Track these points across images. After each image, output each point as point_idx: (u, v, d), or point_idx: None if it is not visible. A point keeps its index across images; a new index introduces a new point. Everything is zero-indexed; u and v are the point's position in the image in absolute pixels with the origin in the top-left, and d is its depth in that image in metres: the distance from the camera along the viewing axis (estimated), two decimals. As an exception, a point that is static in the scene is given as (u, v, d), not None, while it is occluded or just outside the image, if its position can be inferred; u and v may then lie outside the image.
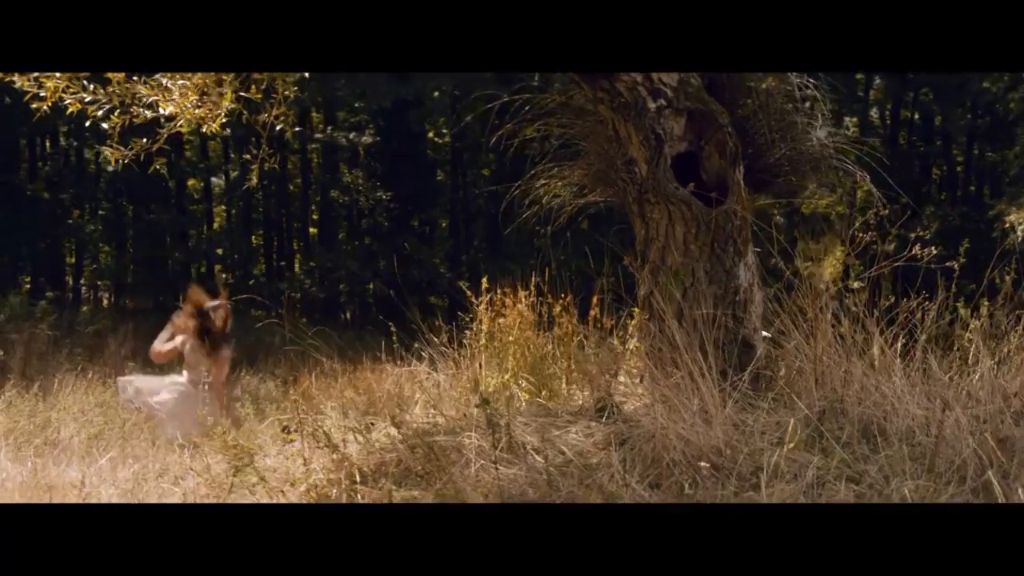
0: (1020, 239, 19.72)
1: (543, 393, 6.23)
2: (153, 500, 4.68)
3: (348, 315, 30.19)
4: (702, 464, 3.92)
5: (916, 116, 32.87)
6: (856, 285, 5.94)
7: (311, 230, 32.26)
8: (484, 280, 6.93)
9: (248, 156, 26.38)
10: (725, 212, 5.63)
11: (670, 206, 5.63)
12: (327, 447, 4.71)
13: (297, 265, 31.97)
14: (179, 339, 7.88)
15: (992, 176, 31.45)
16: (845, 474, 4.06)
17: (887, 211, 5.92)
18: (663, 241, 5.72)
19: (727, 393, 4.76)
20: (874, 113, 34.86)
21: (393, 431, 4.75)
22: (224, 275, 30.95)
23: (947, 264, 5.83)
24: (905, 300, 5.69)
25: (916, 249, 5.54)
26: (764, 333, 5.85)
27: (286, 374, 11.34)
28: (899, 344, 5.04)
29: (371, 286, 28.39)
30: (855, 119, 33.04)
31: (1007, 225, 20.74)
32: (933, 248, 5.80)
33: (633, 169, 5.73)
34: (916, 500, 3.77)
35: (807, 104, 6.01)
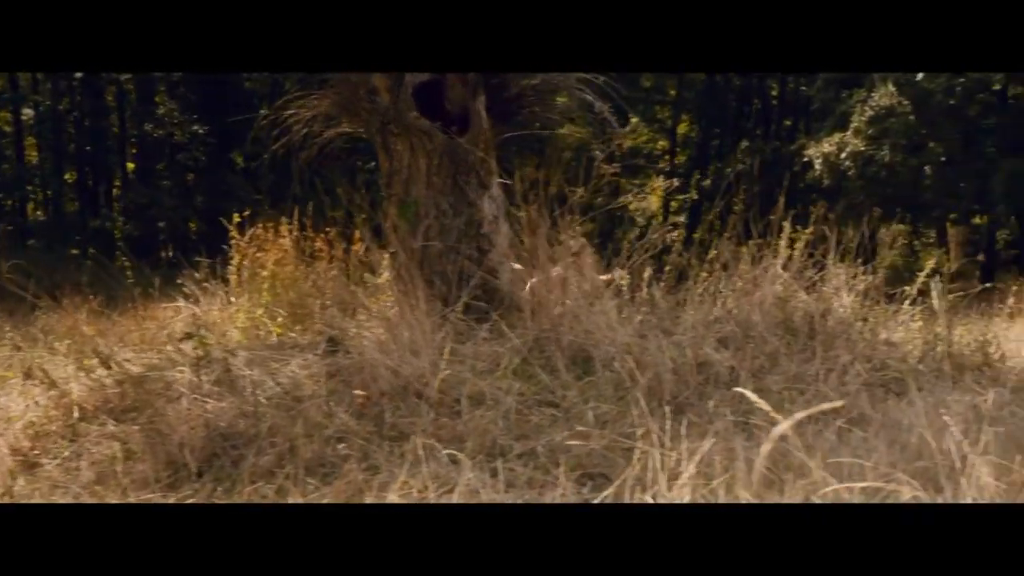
0: (818, 173, 20.49)
1: (297, 328, 6.18)
2: None
3: (169, 252, 29.39)
4: (357, 392, 3.95)
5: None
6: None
7: (128, 165, 31.12)
8: (236, 214, 6.80)
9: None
10: (468, 143, 5.63)
11: (412, 137, 5.60)
12: (45, 384, 4.60)
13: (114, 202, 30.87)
14: None
15: (806, 111, 32.42)
16: (547, 400, 4.15)
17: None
18: (407, 173, 5.69)
19: (450, 324, 4.79)
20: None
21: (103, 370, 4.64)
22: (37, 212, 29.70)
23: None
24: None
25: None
26: (515, 265, 5.88)
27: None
28: (622, 274, 5.15)
29: (193, 224, 27.68)
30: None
31: (805, 160, 21.44)
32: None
33: (376, 99, 5.67)
34: (609, 420, 3.88)
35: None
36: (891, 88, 20.30)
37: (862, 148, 20.46)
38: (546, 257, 5.16)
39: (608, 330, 4.54)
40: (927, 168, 21.25)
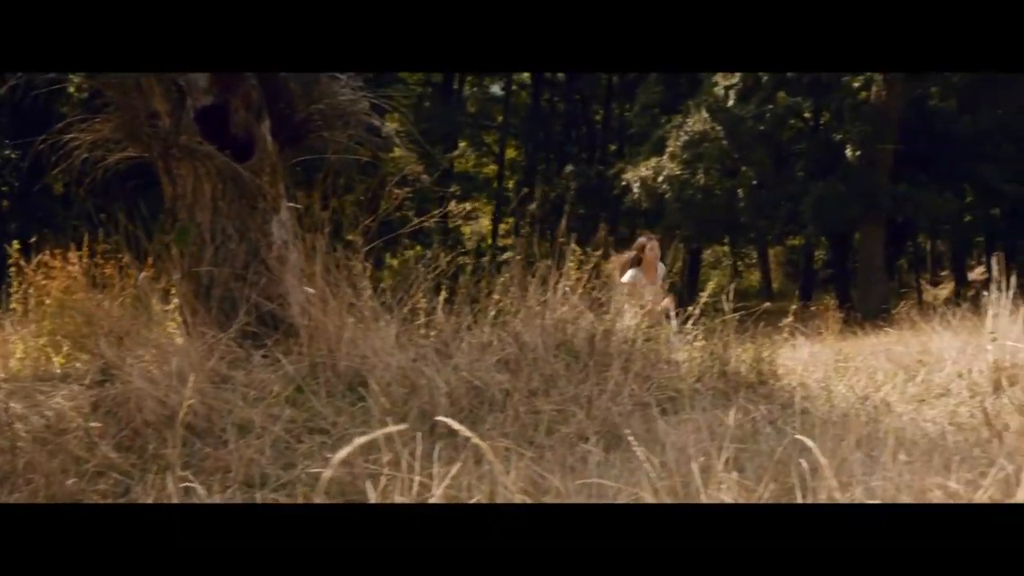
0: (637, 196, 20.98)
1: (85, 358, 5.97)
2: None
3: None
4: (92, 424, 3.85)
5: (558, 75, 34.14)
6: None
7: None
8: (15, 243, 6.55)
9: None
10: (252, 168, 5.55)
11: (195, 162, 5.49)
12: None
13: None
14: None
15: (627, 134, 33.17)
16: (318, 427, 4.11)
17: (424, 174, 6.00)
18: (191, 198, 5.58)
19: (226, 351, 4.70)
20: (526, 74, 35.89)
21: None
22: None
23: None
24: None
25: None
26: (309, 289, 5.81)
27: None
28: (400, 299, 5.15)
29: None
30: (502, 80, 33.97)
31: (623, 183, 21.92)
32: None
33: (157, 123, 5.55)
34: (378, 445, 3.85)
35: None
36: (704, 114, 20.95)
37: (678, 172, 21.05)
38: (324, 282, 5.12)
39: (385, 355, 4.53)
40: (740, 191, 21.99)
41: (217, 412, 4.08)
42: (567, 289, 5.65)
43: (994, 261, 6.27)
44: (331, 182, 5.68)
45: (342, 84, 5.86)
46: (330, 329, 4.77)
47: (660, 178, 21.16)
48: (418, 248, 6.09)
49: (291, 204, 5.87)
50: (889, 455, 3.36)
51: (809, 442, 2.83)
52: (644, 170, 21.17)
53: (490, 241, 32.88)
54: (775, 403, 4.89)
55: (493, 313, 5.45)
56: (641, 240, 8.80)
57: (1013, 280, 6.08)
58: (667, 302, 8.26)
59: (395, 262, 5.96)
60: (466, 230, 39.39)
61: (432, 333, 5.11)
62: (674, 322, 7.76)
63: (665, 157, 21.39)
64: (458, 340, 5.05)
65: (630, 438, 3.95)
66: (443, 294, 5.63)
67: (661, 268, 8.80)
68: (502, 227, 35.98)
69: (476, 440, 2.46)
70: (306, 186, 5.88)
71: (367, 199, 5.77)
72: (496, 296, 5.61)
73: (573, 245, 5.97)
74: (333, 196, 5.67)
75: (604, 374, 4.79)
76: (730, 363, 5.41)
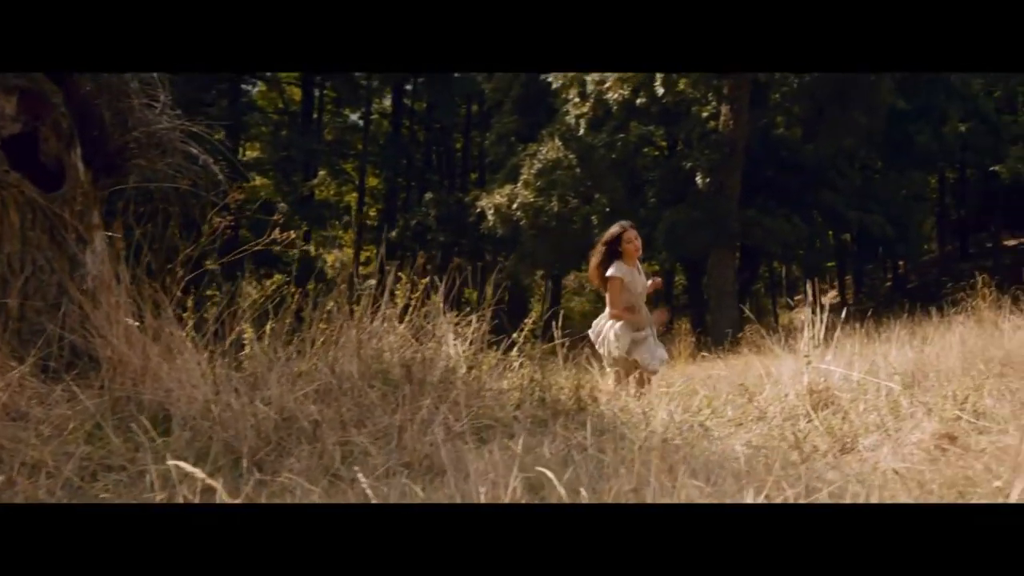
0: (491, 223, 21.09)
1: None
2: None
3: None
4: None
5: (415, 104, 34.21)
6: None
7: None
8: None
9: None
10: (63, 197, 5.39)
11: (3, 191, 5.30)
12: None
13: None
14: None
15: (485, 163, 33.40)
16: (116, 464, 3.99)
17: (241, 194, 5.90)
18: (-1, 228, 5.38)
19: (19, 385, 4.53)
20: (386, 102, 35.85)
21: None
22: None
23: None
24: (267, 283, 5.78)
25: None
26: (129, 320, 5.64)
27: None
28: (216, 330, 5.04)
29: None
30: (361, 108, 33.83)
31: (477, 210, 22.01)
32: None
33: (-39, 152, 5.34)
34: (181, 480, 3.75)
35: (152, 87, 5.90)
36: (558, 143, 21.18)
37: (531, 199, 21.21)
38: (132, 313, 4.99)
39: (191, 387, 4.42)
40: (595, 218, 22.27)
41: (7, 451, 3.91)
42: (393, 317, 5.61)
43: (808, 286, 6.44)
44: (149, 211, 5.56)
45: (157, 112, 5.74)
46: (135, 362, 4.64)
47: (514, 205, 21.30)
48: (278, 276, 5.97)
49: (108, 233, 5.72)
50: (687, 478, 3.41)
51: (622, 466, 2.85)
52: (498, 198, 21.28)
53: (351, 269, 32.35)
54: (594, 430, 4.91)
55: (314, 342, 5.37)
56: (614, 229, 7.71)
57: (827, 301, 6.26)
58: (659, 315, 8.02)
59: (251, 289, 5.82)
60: (330, 258, 39.10)
61: (245, 364, 5.01)
62: (654, 362, 7.55)
63: (519, 185, 21.54)
64: (272, 370, 4.97)
65: (450, 466, 3.95)
66: (270, 324, 5.54)
67: (639, 266, 7.88)
68: (363, 255, 35.84)
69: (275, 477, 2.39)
70: (124, 215, 5.72)
71: (187, 228, 5.65)
72: (321, 325, 5.54)
73: (399, 273, 5.94)
74: (151, 225, 5.54)
75: (421, 403, 4.76)
76: (550, 390, 5.42)
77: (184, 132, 5.84)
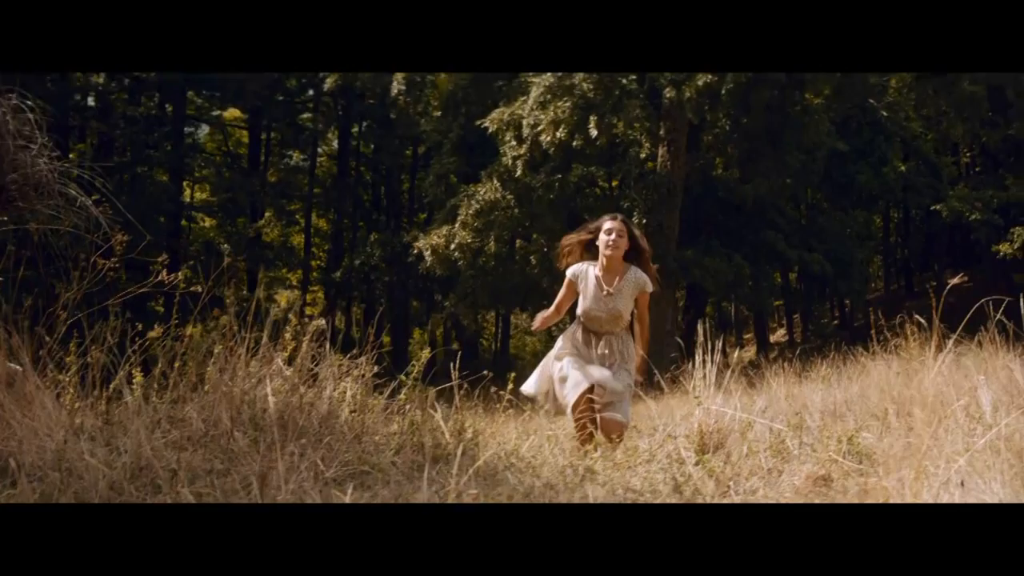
0: (429, 264, 21.06)
1: None
2: None
3: None
4: None
5: (361, 146, 34.23)
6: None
7: None
8: None
9: None
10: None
11: None
12: None
13: None
14: None
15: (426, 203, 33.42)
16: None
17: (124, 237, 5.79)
18: None
19: None
20: (333, 144, 35.84)
21: None
22: None
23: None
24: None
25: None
26: (15, 366, 5.51)
27: None
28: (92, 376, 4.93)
29: None
30: (307, 151, 33.78)
31: (415, 251, 21.96)
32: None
33: None
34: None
35: (29, 127, 5.79)
36: (496, 184, 21.20)
37: (469, 240, 21.19)
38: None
39: (43, 436, 4.30)
40: (533, 258, 22.30)
41: None
42: (273, 359, 5.52)
43: (699, 326, 6.41)
44: (27, 255, 5.44)
45: (33, 154, 5.64)
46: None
47: (452, 246, 21.25)
48: (224, 318, 5.87)
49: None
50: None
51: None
52: (436, 238, 21.24)
53: (297, 309, 32.11)
54: (478, 475, 4.84)
55: (194, 387, 5.27)
56: (601, 219, 6.31)
57: (720, 344, 6.23)
58: (640, 361, 6.54)
59: (195, 331, 5.72)
60: (282, 299, 38.69)
61: (113, 410, 4.89)
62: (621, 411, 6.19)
63: (456, 225, 21.52)
64: (139, 416, 4.85)
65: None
66: (159, 367, 5.44)
67: (633, 280, 6.24)
68: (309, 296, 35.74)
69: None
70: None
71: (66, 271, 5.54)
72: (197, 369, 5.45)
73: (290, 315, 5.85)
74: (29, 269, 5.43)
75: (293, 447, 4.66)
76: (432, 434, 5.34)
77: (63, 175, 5.74)
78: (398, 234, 31.12)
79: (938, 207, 27.91)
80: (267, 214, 32.62)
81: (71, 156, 30.16)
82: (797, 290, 37.70)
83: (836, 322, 41.26)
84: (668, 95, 18.57)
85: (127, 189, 29.91)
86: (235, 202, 31.42)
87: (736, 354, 36.66)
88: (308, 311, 35.94)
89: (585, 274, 6.20)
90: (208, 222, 34.48)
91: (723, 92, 18.17)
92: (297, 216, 34.94)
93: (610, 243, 6.05)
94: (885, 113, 24.26)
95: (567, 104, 18.23)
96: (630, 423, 6.28)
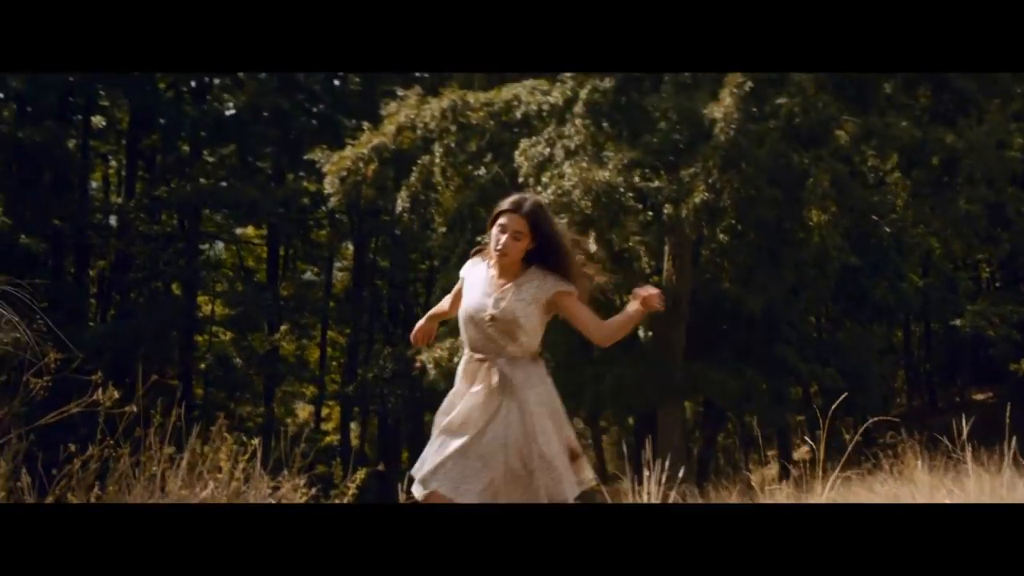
0: (432, 377, 20.88)
1: None
2: None
3: None
4: None
5: (379, 260, 34.58)
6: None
7: None
8: None
9: None
10: None
11: None
12: None
13: None
14: None
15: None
16: None
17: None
18: None
19: None
20: (347, 261, 36.07)
21: None
22: None
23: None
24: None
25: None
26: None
27: None
28: None
29: None
30: (322, 265, 33.93)
31: (418, 365, 21.88)
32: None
33: None
34: None
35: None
36: (499, 300, 21.08)
37: (473, 354, 21.01)
38: None
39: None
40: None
41: None
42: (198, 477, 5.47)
43: (647, 452, 6.27)
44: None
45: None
46: None
47: (456, 358, 21.09)
48: (236, 436, 5.89)
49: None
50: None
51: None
52: (439, 351, 21.11)
53: (313, 426, 32.34)
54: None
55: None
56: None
57: (660, 464, 6.09)
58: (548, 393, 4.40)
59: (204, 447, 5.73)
60: (303, 413, 38.76)
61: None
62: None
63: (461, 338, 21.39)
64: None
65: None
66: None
67: (538, 281, 4.26)
68: (324, 410, 35.76)
69: None
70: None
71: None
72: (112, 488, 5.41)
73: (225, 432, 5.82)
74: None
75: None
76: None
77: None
78: (395, 348, 31.17)
79: (958, 322, 27.66)
80: (282, 328, 32.72)
81: (90, 273, 30.76)
82: (816, 406, 37.19)
83: (859, 438, 40.57)
84: (667, 212, 18.60)
85: (143, 304, 30.30)
86: (248, 316, 31.65)
87: (760, 473, 36.07)
88: (324, 426, 35.85)
89: (476, 266, 4.49)
90: (226, 336, 34.73)
91: (722, 206, 18.33)
92: (312, 331, 35.11)
93: (500, 245, 4.20)
94: (888, 229, 24.15)
95: (564, 220, 18.24)
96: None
